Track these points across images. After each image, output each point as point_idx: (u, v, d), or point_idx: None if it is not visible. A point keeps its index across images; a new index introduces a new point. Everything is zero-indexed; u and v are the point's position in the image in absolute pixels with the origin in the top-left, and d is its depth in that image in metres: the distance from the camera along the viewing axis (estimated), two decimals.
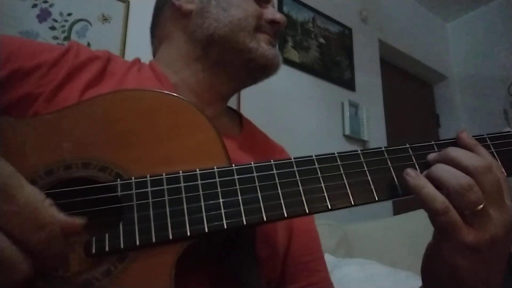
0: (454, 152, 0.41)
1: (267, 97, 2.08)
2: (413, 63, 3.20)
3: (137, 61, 0.65)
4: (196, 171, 0.41)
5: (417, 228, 1.55)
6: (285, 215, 0.40)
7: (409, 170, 0.41)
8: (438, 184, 0.39)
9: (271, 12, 0.66)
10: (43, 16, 1.47)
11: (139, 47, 1.65)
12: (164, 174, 0.40)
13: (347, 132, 2.37)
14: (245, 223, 0.39)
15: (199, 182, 0.40)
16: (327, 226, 1.62)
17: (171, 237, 0.37)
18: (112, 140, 0.42)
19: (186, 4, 0.64)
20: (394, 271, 1.27)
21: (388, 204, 2.45)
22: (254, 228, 0.46)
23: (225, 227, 0.38)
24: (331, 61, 2.47)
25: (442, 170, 0.40)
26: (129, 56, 1.60)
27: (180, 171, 0.40)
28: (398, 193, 0.42)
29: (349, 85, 2.52)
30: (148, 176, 0.40)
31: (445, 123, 3.37)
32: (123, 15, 1.67)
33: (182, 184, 0.40)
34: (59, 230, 0.33)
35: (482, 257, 0.39)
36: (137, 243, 0.37)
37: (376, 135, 2.57)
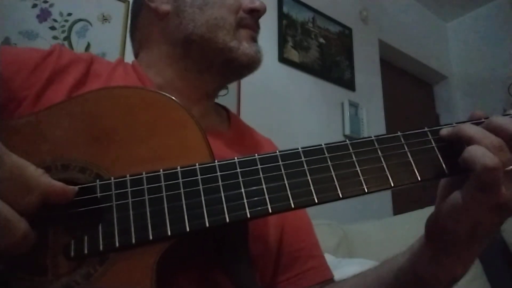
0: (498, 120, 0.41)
1: (267, 97, 2.08)
2: (413, 63, 3.19)
3: (121, 61, 0.64)
4: (177, 168, 0.39)
5: (417, 228, 1.54)
6: (270, 211, 0.38)
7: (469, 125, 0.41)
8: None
9: (250, 0, 0.63)
10: (43, 16, 1.47)
11: None
12: (144, 173, 0.39)
13: (347, 132, 2.37)
14: (228, 220, 0.37)
15: (180, 180, 0.39)
16: (327, 226, 1.62)
17: (151, 238, 0.36)
18: (92, 140, 0.41)
19: (162, 6, 0.63)
20: None
21: (388, 204, 2.45)
22: (246, 224, 0.46)
23: (207, 225, 0.37)
24: (331, 61, 2.47)
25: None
26: (129, 56, 1.60)
27: (161, 170, 0.39)
28: (390, 184, 0.40)
29: (349, 85, 2.52)
30: (127, 175, 0.39)
31: (445, 123, 3.35)
32: (123, 15, 1.66)
33: (163, 183, 0.38)
34: (51, 193, 0.33)
35: (507, 214, 0.40)
36: (117, 245, 0.36)
37: (376, 135, 2.56)
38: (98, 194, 0.38)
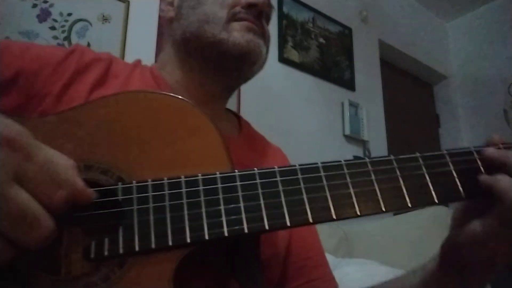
0: None
1: (267, 97, 2.08)
2: (413, 63, 3.20)
3: (138, 63, 0.66)
4: (198, 176, 0.39)
5: (417, 228, 1.55)
6: (288, 224, 0.38)
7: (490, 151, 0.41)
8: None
9: None
10: (43, 16, 1.47)
11: (139, 47, 1.66)
12: (165, 178, 0.39)
13: (347, 132, 2.37)
14: (246, 231, 0.38)
15: (201, 187, 0.39)
16: (327, 226, 1.62)
17: (170, 244, 0.36)
18: (115, 142, 0.41)
19: (167, 13, 0.67)
20: (394, 271, 1.27)
21: None
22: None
23: (226, 235, 0.37)
24: (331, 61, 2.47)
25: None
26: (129, 56, 1.60)
27: (182, 176, 0.39)
28: (406, 204, 0.40)
29: (349, 85, 2.52)
30: (149, 180, 0.39)
31: (445, 123, 3.37)
32: (123, 15, 1.66)
33: (184, 190, 0.39)
34: (76, 192, 0.33)
35: None
36: (136, 248, 0.36)
37: (376, 135, 2.57)
38: (120, 197, 0.38)
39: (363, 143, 2.46)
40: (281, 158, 0.71)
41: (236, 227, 0.38)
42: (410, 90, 3.29)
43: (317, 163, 0.42)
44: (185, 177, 0.39)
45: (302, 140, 2.13)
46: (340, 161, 0.42)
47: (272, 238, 0.57)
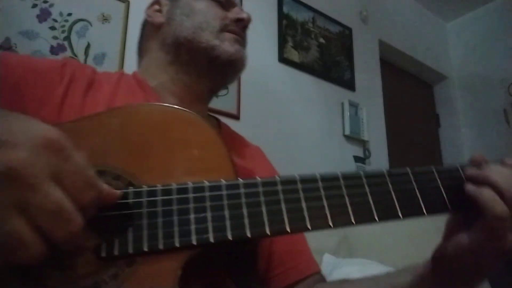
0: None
1: (267, 98, 2.08)
2: (413, 63, 3.20)
3: (123, 72, 0.71)
4: (204, 183, 0.42)
5: (417, 228, 1.54)
6: (288, 230, 0.41)
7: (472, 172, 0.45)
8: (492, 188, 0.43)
9: (236, 12, 0.71)
10: (43, 16, 1.47)
11: None
12: (174, 184, 0.41)
13: (347, 132, 2.37)
14: (249, 235, 0.40)
15: (207, 193, 0.41)
16: None
17: (177, 245, 0.38)
18: (127, 151, 0.44)
19: (157, 18, 0.73)
20: None
21: None
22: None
23: (230, 238, 0.39)
24: (331, 61, 2.47)
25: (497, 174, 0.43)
26: (129, 56, 1.59)
27: (189, 182, 0.42)
28: (398, 215, 0.44)
29: (349, 85, 2.52)
30: (158, 185, 0.41)
31: (445, 123, 3.37)
32: (123, 15, 1.67)
33: (190, 195, 0.41)
34: (103, 193, 0.36)
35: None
36: (145, 249, 0.38)
37: (376, 135, 2.57)
38: (130, 200, 0.40)
39: (363, 143, 2.46)
40: (260, 157, 0.77)
41: (239, 232, 0.40)
42: (410, 90, 3.29)
43: (316, 175, 0.44)
44: (193, 184, 0.42)
45: (302, 140, 2.13)
46: (337, 173, 0.45)
47: None
